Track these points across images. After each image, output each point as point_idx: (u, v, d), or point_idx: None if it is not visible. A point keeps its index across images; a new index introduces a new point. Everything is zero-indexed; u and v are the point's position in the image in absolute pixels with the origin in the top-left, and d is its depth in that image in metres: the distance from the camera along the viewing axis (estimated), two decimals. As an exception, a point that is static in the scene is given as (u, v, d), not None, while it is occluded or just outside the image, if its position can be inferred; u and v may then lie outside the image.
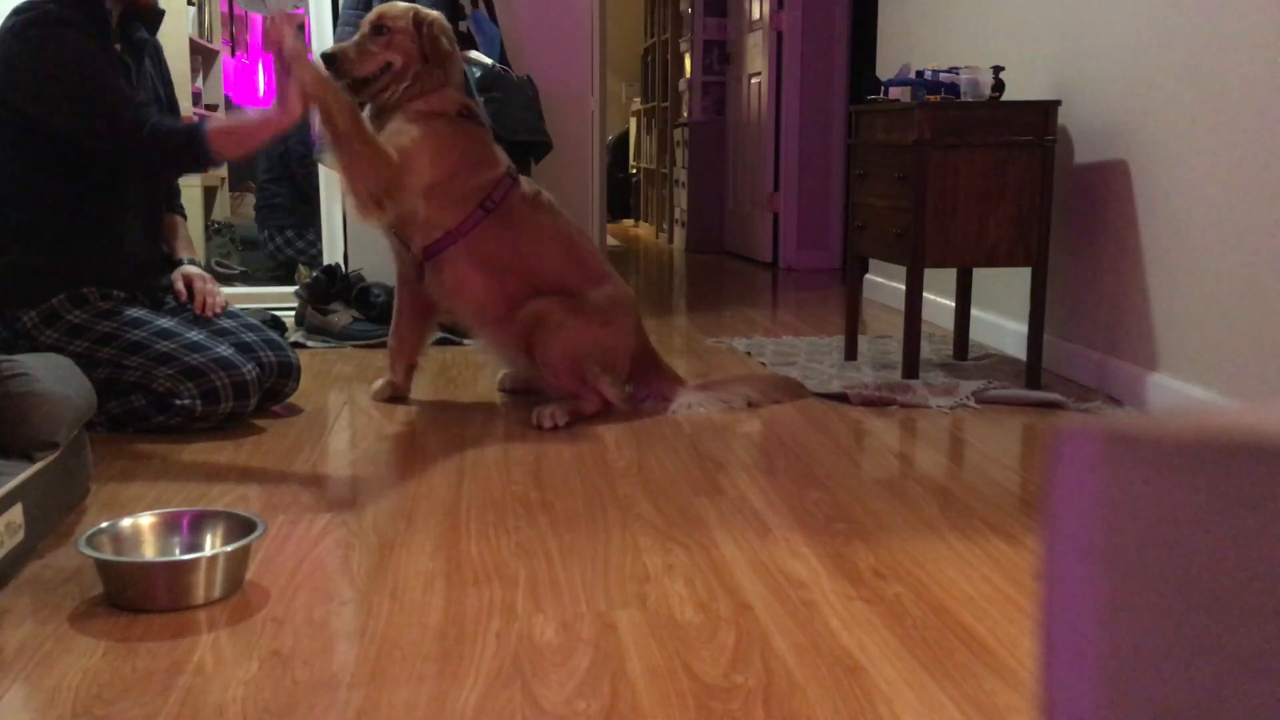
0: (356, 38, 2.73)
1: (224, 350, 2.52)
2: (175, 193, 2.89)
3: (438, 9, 3.65)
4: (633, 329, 2.78)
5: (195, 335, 2.52)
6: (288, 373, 2.70)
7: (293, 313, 3.77)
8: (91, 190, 2.48)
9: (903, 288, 3.08)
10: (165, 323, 2.53)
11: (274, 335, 2.75)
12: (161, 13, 2.67)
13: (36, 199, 2.46)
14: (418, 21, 2.71)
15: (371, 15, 2.74)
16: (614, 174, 9.77)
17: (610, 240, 7.76)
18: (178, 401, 2.46)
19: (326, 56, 2.73)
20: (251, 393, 2.53)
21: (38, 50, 2.36)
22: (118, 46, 2.51)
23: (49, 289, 2.46)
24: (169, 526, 1.71)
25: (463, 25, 3.90)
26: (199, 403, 2.46)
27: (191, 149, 2.41)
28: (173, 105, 2.81)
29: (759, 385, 2.89)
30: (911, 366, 3.04)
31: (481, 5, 3.99)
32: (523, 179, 2.79)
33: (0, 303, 2.48)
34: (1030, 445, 2.49)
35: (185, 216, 2.92)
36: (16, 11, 2.40)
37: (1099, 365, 3.00)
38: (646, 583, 1.66)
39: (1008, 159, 2.92)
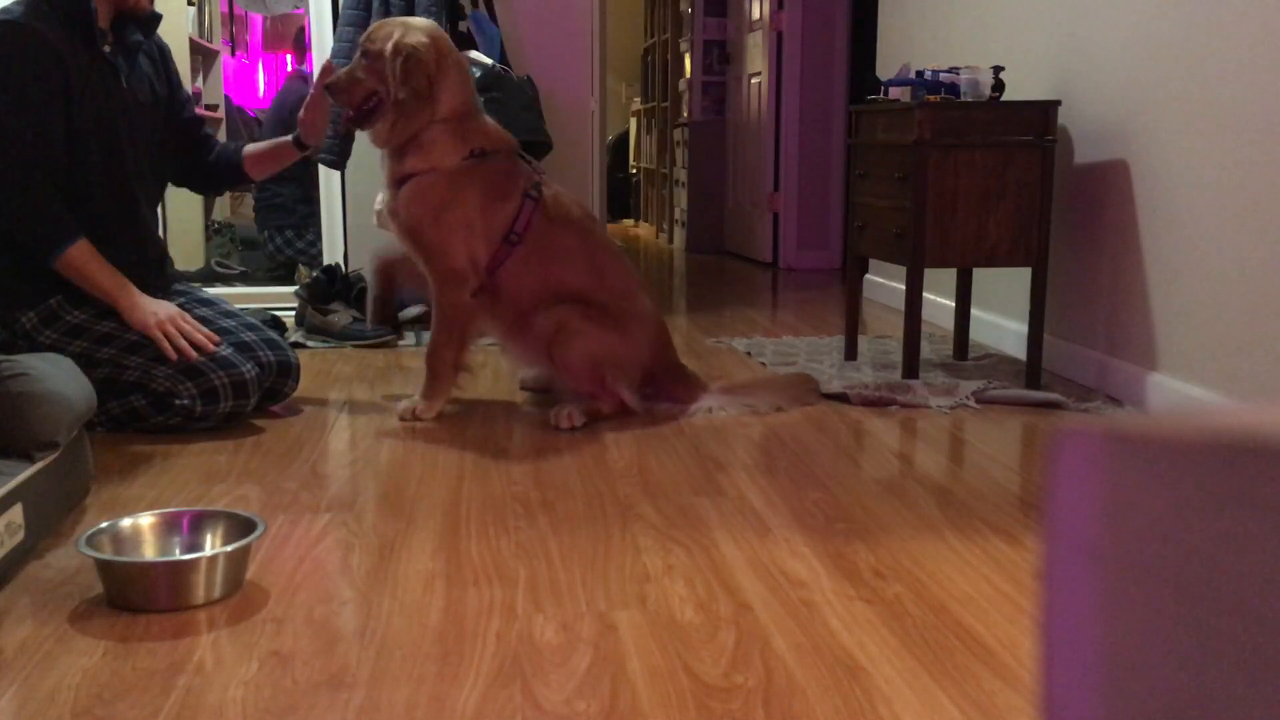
0: (351, 65, 2.69)
1: (223, 350, 2.52)
2: (211, 147, 2.87)
3: (438, 9, 3.65)
4: (649, 343, 2.74)
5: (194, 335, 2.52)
6: (287, 372, 2.70)
7: (293, 313, 3.77)
8: (92, 191, 2.48)
9: (903, 288, 3.08)
10: None
11: (273, 335, 2.75)
12: (157, 17, 2.65)
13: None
14: (394, 51, 2.59)
15: (362, 38, 2.68)
16: (614, 174, 9.77)
17: (610, 240, 7.74)
18: (177, 401, 2.46)
19: (327, 87, 2.69)
20: (251, 392, 2.53)
21: None
22: (106, 48, 2.50)
23: (47, 290, 2.46)
24: (169, 526, 1.71)
25: (463, 25, 3.90)
26: (198, 402, 2.46)
27: (39, 240, 2.40)
28: (180, 106, 2.80)
29: (785, 390, 2.87)
30: (911, 366, 3.04)
31: (481, 5, 3.99)
32: (546, 189, 2.72)
33: None
34: (1030, 445, 2.49)
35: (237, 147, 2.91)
36: None
37: (1099, 365, 3.00)
38: (646, 583, 1.66)
39: (1008, 159, 2.92)
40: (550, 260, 2.68)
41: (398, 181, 2.67)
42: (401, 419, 2.65)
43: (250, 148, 2.88)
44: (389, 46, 2.59)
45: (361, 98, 2.64)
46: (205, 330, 2.53)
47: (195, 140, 2.83)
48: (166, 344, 2.45)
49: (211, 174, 2.89)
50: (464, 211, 2.62)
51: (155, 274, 2.67)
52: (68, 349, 2.40)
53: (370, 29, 2.69)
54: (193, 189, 3.08)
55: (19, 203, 2.39)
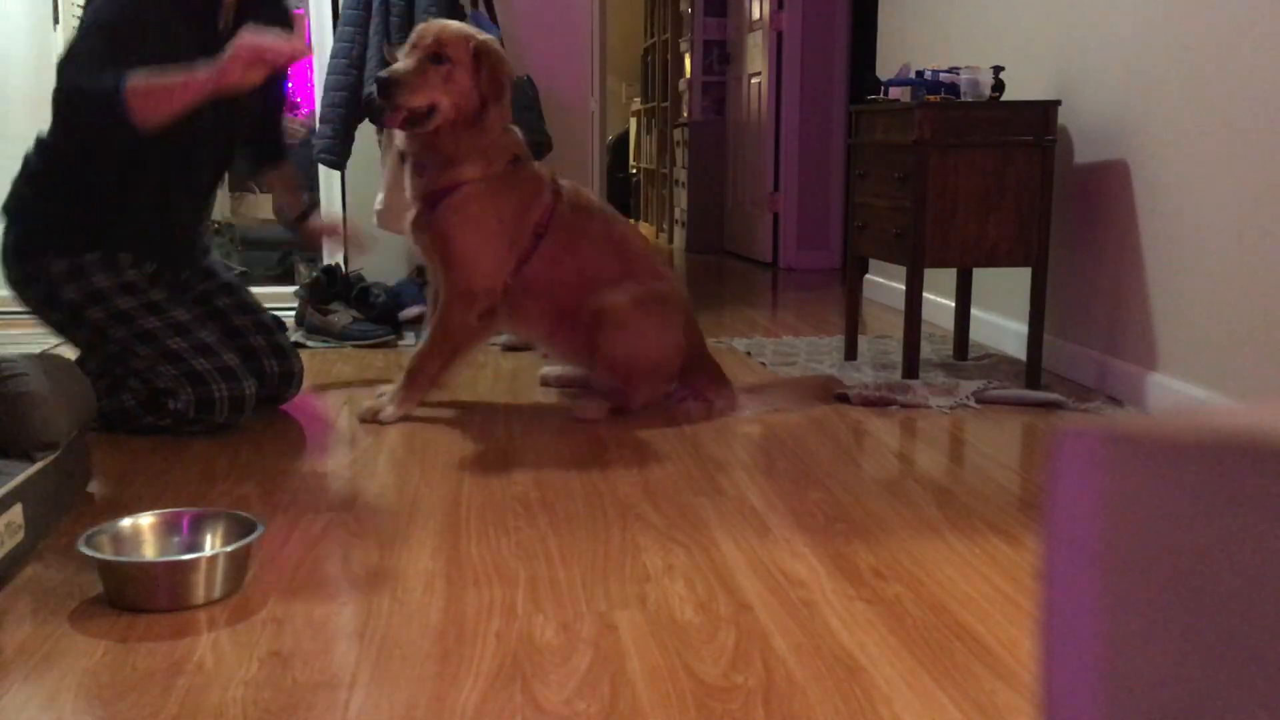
0: (413, 62, 2.47)
1: (229, 358, 2.49)
2: (275, 143, 2.87)
3: (438, 10, 3.65)
4: (685, 325, 2.77)
5: (206, 336, 2.50)
6: (289, 382, 2.73)
7: (293, 313, 3.77)
8: (148, 156, 2.44)
9: (903, 288, 3.08)
10: (182, 315, 2.51)
11: (282, 341, 2.75)
12: (282, 6, 2.66)
13: (92, 156, 2.43)
14: (477, 53, 2.50)
15: (426, 38, 2.50)
16: (614, 174, 9.77)
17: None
18: (172, 404, 2.44)
19: (381, 81, 2.46)
20: (247, 408, 2.51)
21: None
22: (221, 34, 2.42)
23: (84, 242, 2.44)
24: (169, 526, 1.71)
25: (463, 25, 3.90)
26: (193, 409, 2.45)
27: (109, 110, 2.18)
28: (275, 109, 2.82)
29: (804, 388, 2.90)
30: (911, 366, 3.04)
31: (481, 5, 3.99)
32: (561, 186, 2.72)
33: (33, 245, 2.45)
34: (1030, 445, 2.49)
35: (287, 159, 2.91)
36: None
37: (1099, 365, 3.00)
38: (646, 583, 1.66)
39: (1008, 159, 2.92)
40: (577, 247, 2.68)
41: (438, 192, 2.58)
42: (362, 420, 2.62)
43: (279, 173, 2.90)
44: (468, 50, 2.50)
45: (423, 105, 2.47)
46: (281, 44, 2.19)
47: (264, 121, 2.81)
48: (240, 70, 2.15)
49: (252, 153, 2.88)
50: (501, 219, 2.62)
51: (199, 252, 2.70)
52: (84, 313, 2.40)
53: (434, 28, 2.53)
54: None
55: (79, 90, 2.22)
